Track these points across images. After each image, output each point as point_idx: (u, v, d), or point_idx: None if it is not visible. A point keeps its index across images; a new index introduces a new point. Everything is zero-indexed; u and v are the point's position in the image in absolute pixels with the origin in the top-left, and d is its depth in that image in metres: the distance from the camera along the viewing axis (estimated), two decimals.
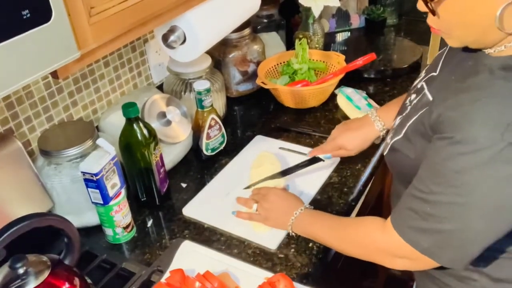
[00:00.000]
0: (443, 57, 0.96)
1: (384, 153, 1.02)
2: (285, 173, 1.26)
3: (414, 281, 1.20)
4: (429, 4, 0.77)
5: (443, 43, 1.55)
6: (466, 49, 0.86)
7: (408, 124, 0.92)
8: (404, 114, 0.97)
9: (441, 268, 0.93)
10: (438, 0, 0.76)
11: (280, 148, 1.41)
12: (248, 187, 1.24)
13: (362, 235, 0.95)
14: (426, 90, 0.92)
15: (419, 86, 0.97)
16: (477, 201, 0.77)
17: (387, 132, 1.22)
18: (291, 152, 1.39)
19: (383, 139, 1.25)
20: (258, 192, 1.18)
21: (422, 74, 1.01)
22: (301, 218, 1.07)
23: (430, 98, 0.88)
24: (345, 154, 1.28)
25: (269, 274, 0.97)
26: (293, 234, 1.10)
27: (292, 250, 1.08)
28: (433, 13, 0.79)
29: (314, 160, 1.28)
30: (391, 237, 0.87)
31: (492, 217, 0.78)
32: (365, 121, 1.25)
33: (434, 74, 0.94)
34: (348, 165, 1.32)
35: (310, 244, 1.09)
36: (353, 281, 1.59)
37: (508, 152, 0.72)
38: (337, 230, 1.00)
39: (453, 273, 0.96)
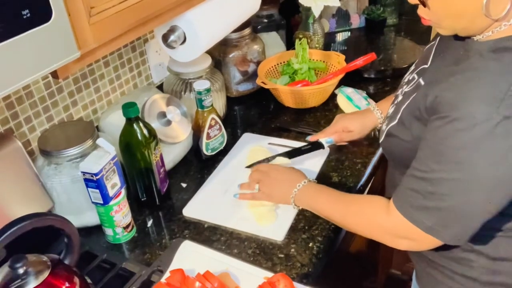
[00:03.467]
0: (433, 50, 0.98)
1: (380, 141, 1.04)
2: (289, 154, 1.29)
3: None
4: None
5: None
6: (456, 38, 0.89)
7: (402, 109, 0.95)
8: (396, 102, 1.00)
9: (439, 251, 0.96)
10: None
11: (269, 143, 1.42)
12: (250, 166, 1.26)
13: (366, 214, 0.97)
14: (419, 79, 0.95)
15: (410, 78, 1.00)
16: (477, 175, 0.79)
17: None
18: (281, 147, 1.40)
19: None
20: (258, 169, 1.19)
21: (412, 67, 1.04)
22: (304, 191, 1.09)
23: (422, 83, 0.92)
24: (347, 137, 1.31)
25: (269, 274, 0.97)
26: (296, 207, 1.12)
27: (292, 250, 1.08)
28: (424, 4, 0.82)
29: (316, 146, 1.30)
30: (394, 218, 0.89)
31: (491, 190, 0.80)
32: (366, 110, 1.33)
33: (426, 66, 0.97)
34: (348, 165, 1.32)
35: (310, 244, 1.09)
36: (353, 281, 1.59)
37: (503, 125, 0.74)
38: (341, 206, 1.03)
39: (451, 256, 0.98)
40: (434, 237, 0.86)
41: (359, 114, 1.33)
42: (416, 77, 0.97)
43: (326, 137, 1.32)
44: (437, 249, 0.93)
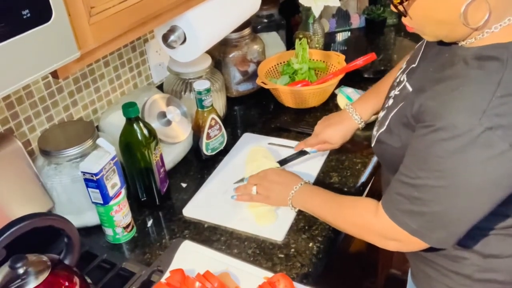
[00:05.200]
0: (422, 49, 1.00)
1: (372, 145, 1.06)
2: (279, 163, 1.31)
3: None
4: (399, 7, 0.83)
5: None
6: (441, 42, 0.90)
7: (390, 117, 0.97)
8: (387, 106, 1.01)
9: (433, 250, 0.97)
10: (407, 3, 0.82)
11: (269, 143, 1.42)
12: (240, 181, 1.26)
13: (356, 215, 1.00)
14: (406, 82, 0.96)
15: (401, 78, 1.00)
16: (459, 183, 0.81)
17: (367, 123, 1.29)
18: (281, 147, 1.40)
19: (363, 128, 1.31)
20: (256, 175, 1.20)
21: (403, 66, 1.05)
22: (300, 193, 1.11)
23: (410, 89, 0.93)
24: (329, 148, 1.33)
25: (269, 274, 0.97)
26: (293, 208, 1.14)
27: (292, 250, 1.08)
28: (404, 14, 0.85)
29: (301, 153, 1.33)
30: (382, 220, 0.91)
31: (474, 198, 0.82)
32: (344, 115, 1.30)
33: (414, 66, 0.98)
34: (348, 165, 1.32)
35: (310, 244, 1.09)
36: (353, 281, 1.59)
37: (485, 136, 0.76)
38: (334, 208, 1.05)
39: (445, 254, 1.00)
40: (419, 240, 0.88)
41: (338, 124, 1.29)
42: (405, 78, 0.98)
43: (308, 147, 1.33)
44: (431, 248, 0.94)
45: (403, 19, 0.87)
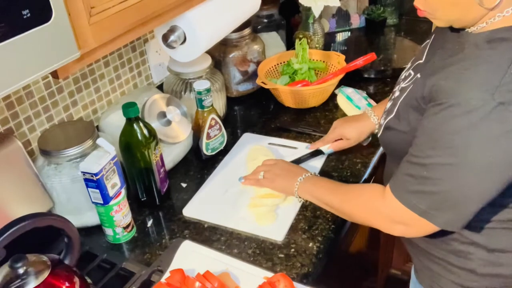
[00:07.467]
0: (428, 47, 1.00)
1: (378, 135, 1.06)
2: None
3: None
4: None
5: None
6: (450, 30, 0.91)
7: (399, 102, 0.97)
8: (393, 98, 1.02)
9: (437, 244, 0.98)
10: None
11: (269, 143, 1.42)
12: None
13: (363, 199, 1.00)
14: (415, 74, 0.97)
15: (407, 74, 1.02)
16: (471, 160, 0.80)
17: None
18: (281, 147, 1.40)
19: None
20: (266, 163, 1.22)
21: (408, 65, 1.06)
22: (307, 181, 1.13)
23: (419, 76, 0.94)
24: (344, 145, 1.33)
25: (269, 274, 0.97)
26: (299, 198, 1.14)
27: (292, 250, 1.08)
28: None
29: (316, 153, 1.33)
30: (390, 203, 0.91)
31: (485, 175, 0.81)
32: (362, 116, 1.34)
33: (421, 61, 0.99)
34: (348, 165, 1.32)
35: (310, 244, 1.09)
36: (353, 281, 1.59)
37: (498, 111, 0.76)
38: (340, 193, 1.05)
39: (449, 248, 0.99)
40: (428, 221, 0.87)
41: (356, 121, 1.33)
42: (412, 73, 0.98)
43: (324, 146, 1.34)
44: (436, 242, 0.94)
45: (416, 2, 0.87)
